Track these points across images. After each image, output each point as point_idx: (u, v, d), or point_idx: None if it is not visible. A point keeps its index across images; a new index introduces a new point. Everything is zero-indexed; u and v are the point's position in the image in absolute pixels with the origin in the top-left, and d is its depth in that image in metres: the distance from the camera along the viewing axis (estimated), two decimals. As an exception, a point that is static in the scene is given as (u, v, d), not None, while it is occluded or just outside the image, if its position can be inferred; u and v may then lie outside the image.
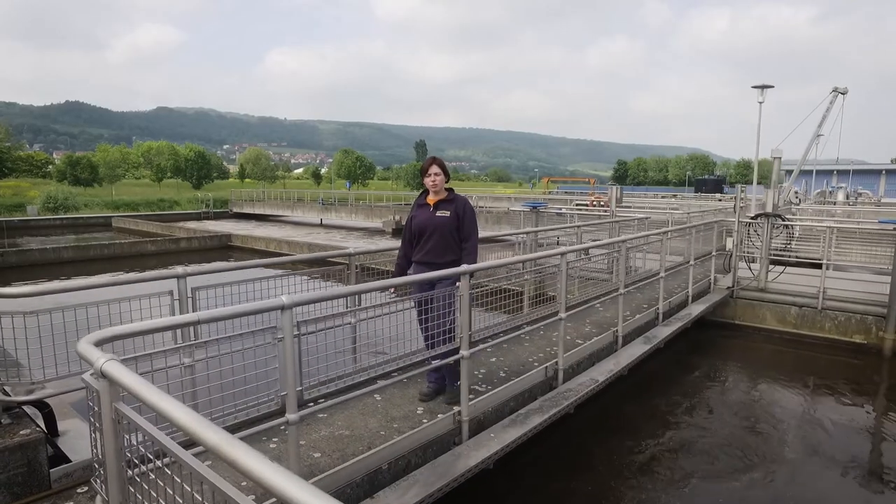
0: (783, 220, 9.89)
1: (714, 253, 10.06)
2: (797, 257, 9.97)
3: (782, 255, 9.90)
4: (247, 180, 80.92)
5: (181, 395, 2.65)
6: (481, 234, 4.83)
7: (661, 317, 7.68)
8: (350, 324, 3.78)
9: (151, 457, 1.69)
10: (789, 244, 9.81)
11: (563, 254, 4.94)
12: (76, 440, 3.59)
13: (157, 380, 2.35)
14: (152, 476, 1.65)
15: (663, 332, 7.24)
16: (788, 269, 9.96)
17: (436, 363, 4.07)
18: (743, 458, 5.53)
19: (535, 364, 5.56)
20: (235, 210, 41.33)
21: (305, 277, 4.33)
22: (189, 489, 1.47)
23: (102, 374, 1.71)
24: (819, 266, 10.78)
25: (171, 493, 1.58)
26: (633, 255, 7.01)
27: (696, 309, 8.51)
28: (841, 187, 28.65)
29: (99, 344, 1.99)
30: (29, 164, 68.15)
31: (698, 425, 6.37)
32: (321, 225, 33.66)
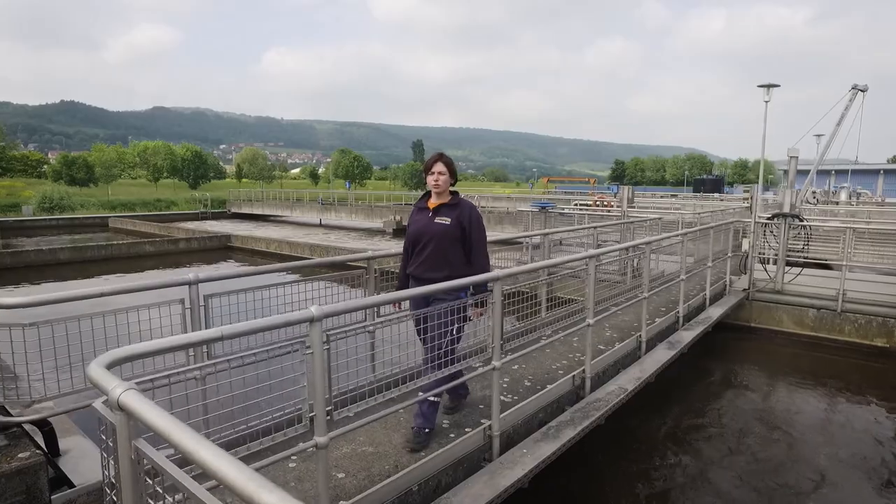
0: (801, 220, 9.65)
1: (730, 254, 9.83)
2: (808, 258, 9.73)
3: (799, 257, 9.67)
4: (244, 180, 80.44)
5: (197, 419, 2.38)
6: (489, 236, 4.26)
7: (681, 320, 7.44)
8: (370, 331, 3.49)
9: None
10: (807, 245, 9.58)
11: (591, 257, 4.68)
12: (79, 459, 3.32)
13: (176, 404, 2.08)
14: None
15: (685, 336, 6.99)
16: (805, 270, 9.74)
17: (424, 395, 3.41)
18: (769, 487, 5.24)
19: (560, 372, 5.30)
20: (234, 210, 40.96)
21: (324, 283, 4.05)
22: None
23: (119, 407, 1.44)
24: (829, 267, 10.62)
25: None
26: (648, 257, 6.75)
27: (715, 312, 8.27)
28: (844, 187, 28.51)
29: (112, 366, 1.72)
30: (24, 164, 67.55)
31: (719, 439, 6.10)
32: (321, 225, 33.35)
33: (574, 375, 4.86)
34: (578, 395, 4.91)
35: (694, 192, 60.37)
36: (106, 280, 16.96)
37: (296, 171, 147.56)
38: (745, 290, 9.72)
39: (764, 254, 9.89)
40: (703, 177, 79.74)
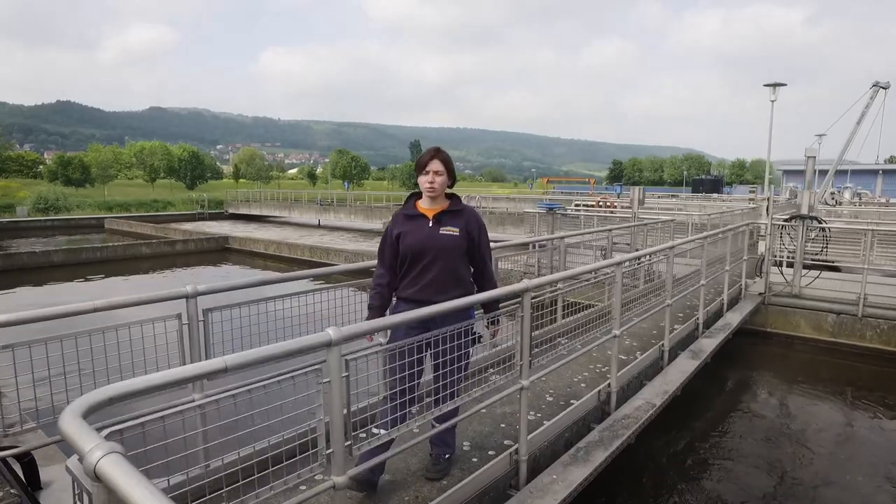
0: (819, 222, 9.36)
1: (745, 257, 9.52)
2: (821, 261, 9.43)
3: (818, 260, 9.37)
4: (241, 180, 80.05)
5: (196, 449, 2.05)
6: (493, 238, 3.73)
7: (700, 327, 7.13)
8: (390, 353, 3.13)
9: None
10: (825, 248, 9.28)
11: (618, 263, 4.37)
12: (61, 493, 2.98)
13: (170, 430, 1.74)
14: None
15: (706, 344, 6.68)
16: (822, 273, 9.43)
17: (441, 427, 2.98)
18: None
19: (583, 385, 4.98)
20: (231, 211, 40.59)
21: (338, 292, 3.71)
22: None
23: (97, 476, 1.11)
24: (838, 269, 10.30)
25: None
26: (672, 261, 6.44)
27: (733, 318, 7.96)
28: (848, 187, 28.27)
29: (90, 413, 1.39)
30: (19, 164, 67.11)
31: (747, 459, 5.77)
32: (320, 226, 32.98)
33: (599, 390, 4.54)
34: (604, 412, 4.59)
35: (693, 192, 60.09)
36: (101, 280, 16.58)
37: (293, 171, 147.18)
38: (760, 293, 9.41)
39: (779, 256, 9.59)
40: (701, 177, 79.46)
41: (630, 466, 5.13)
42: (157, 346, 2.86)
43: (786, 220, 9.38)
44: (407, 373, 2.63)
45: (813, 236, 9.28)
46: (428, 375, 2.97)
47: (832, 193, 21.57)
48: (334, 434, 2.16)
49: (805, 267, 9.39)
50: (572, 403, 4.42)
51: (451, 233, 3.04)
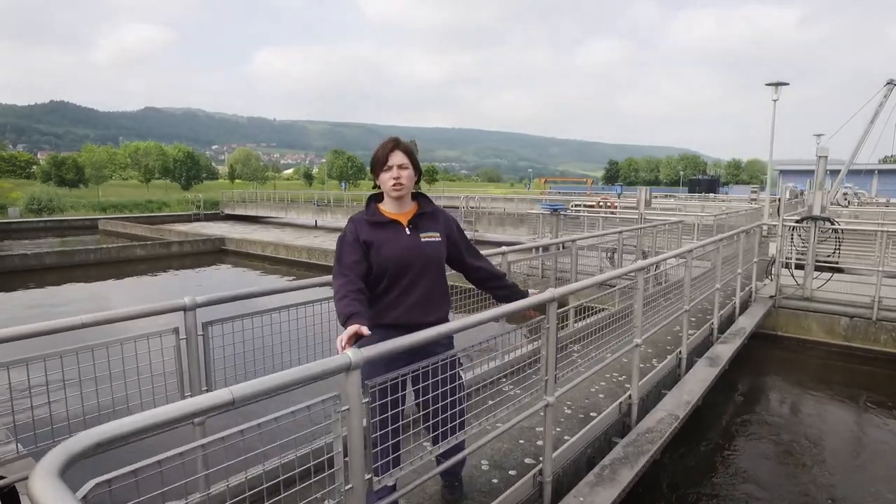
0: (832, 223, 9.16)
1: (756, 259, 9.31)
2: (830, 263, 9.23)
3: (830, 262, 9.17)
4: (237, 181, 79.58)
5: (196, 476, 1.80)
6: (492, 238, 3.36)
7: (715, 333, 6.91)
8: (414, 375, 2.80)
9: None
10: (838, 250, 9.07)
11: (641, 269, 4.13)
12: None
13: (170, 486, 1.48)
14: None
15: (722, 350, 6.45)
16: (833, 276, 9.23)
17: (448, 463, 2.63)
18: None
19: (601, 396, 4.75)
20: (227, 212, 40.23)
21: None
22: None
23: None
24: (842, 271, 10.09)
25: None
26: (691, 265, 6.22)
27: (746, 322, 7.74)
28: (848, 187, 28.19)
29: (68, 466, 1.15)
30: (11, 165, 66.46)
31: (753, 470, 5.56)
32: (317, 227, 32.67)
33: (620, 402, 4.30)
34: (625, 425, 4.35)
35: (689, 192, 60.00)
36: (99, 282, 16.26)
37: (289, 171, 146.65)
38: (771, 296, 9.21)
39: (789, 258, 9.38)
40: (698, 177, 79.39)
41: (647, 481, 4.90)
42: (153, 364, 2.61)
43: (797, 222, 9.18)
44: (396, 410, 2.26)
45: (825, 238, 9.07)
46: (418, 411, 2.60)
47: (844, 194, 21.42)
48: (354, 469, 1.91)
49: (818, 269, 9.18)
50: (592, 416, 4.19)
51: (433, 239, 2.57)
